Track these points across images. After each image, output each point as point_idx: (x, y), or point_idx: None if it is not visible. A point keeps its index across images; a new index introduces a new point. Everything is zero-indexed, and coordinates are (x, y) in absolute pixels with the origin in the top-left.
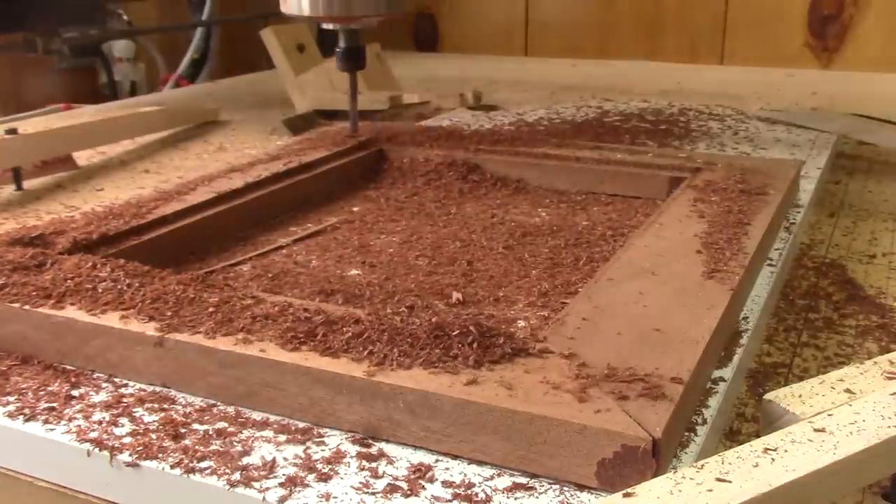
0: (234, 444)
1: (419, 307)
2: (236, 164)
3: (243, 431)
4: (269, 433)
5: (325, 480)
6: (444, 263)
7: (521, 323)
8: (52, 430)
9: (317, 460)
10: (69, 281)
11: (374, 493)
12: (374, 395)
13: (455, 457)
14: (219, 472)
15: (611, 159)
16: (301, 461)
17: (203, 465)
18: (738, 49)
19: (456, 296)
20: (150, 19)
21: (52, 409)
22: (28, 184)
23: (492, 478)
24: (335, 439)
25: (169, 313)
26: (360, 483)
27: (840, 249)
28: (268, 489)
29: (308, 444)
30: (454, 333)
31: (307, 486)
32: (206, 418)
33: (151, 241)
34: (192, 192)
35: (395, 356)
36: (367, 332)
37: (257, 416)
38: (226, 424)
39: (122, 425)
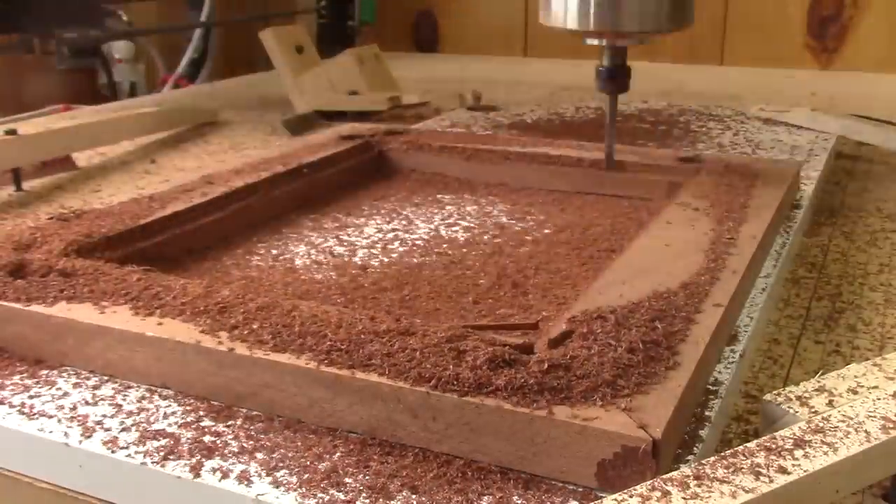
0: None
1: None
2: (236, 166)
3: (258, 433)
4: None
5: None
6: (443, 265)
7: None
8: (51, 430)
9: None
10: (69, 282)
11: None
12: (374, 396)
13: None
14: (223, 473)
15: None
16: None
17: (207, 465)
18: (738, 49)
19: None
20: (150, 20)
21: (53, 409)
22: (28, 184)
23: None
24: None
25: (169, 314)
26: None
27: (839, 250)
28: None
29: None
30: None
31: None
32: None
33: (150, 242)
34: (190, 194)
35: (396, 358)
36: (368, 333)
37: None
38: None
39: (122, 426)
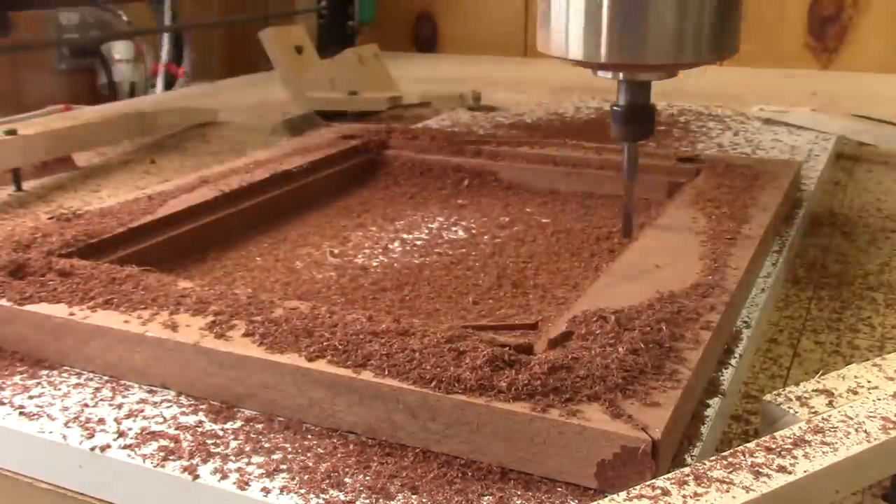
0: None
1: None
2: (235, 166)
3: (258, 436)
4: (280, 437)
5: None
6: (443, 265)
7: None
8: (51, 431)
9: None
10: (68, 282)
11: None
12: (374, 396)
13: None
14: (223, 474)
15: (610, 161)
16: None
17: (207, 466)
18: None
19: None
20: (150, 20)
21: (53, 409)
22: (28, 185)
23: None
24: None
25: (168, 314)
26: None
27: (840, 250)
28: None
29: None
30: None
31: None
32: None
33: (150, 243)
34: (190, 194)
35: (396, 359)
36: (368, 333)
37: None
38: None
39: (122, 427)
